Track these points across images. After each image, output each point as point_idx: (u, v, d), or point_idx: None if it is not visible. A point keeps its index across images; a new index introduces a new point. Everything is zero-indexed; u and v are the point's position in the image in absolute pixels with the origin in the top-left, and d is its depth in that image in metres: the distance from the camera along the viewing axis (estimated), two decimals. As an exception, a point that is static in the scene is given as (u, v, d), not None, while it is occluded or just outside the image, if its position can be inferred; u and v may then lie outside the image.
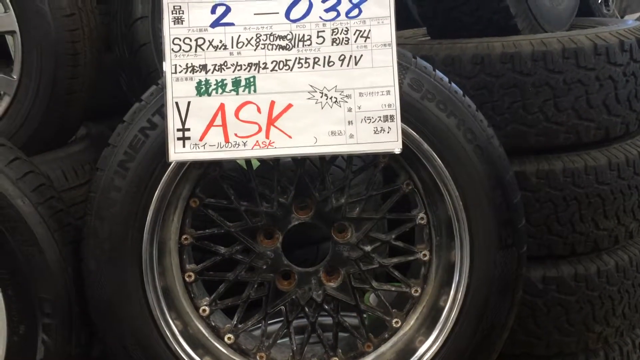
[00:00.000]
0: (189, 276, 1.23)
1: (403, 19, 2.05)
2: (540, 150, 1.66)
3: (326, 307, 1.24)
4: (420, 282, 1.25)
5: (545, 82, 1.59)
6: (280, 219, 1.23)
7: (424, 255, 1.24)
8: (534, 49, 1.58)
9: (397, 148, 1.12)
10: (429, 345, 1.19)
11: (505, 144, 1.55)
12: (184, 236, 1.22)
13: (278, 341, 1.28)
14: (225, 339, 1.24)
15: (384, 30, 1.12)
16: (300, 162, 1.21)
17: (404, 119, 1.13)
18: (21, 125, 1.63)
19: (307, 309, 1.24)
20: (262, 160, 1.26)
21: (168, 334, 1.20)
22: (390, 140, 1.11)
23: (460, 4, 1.78)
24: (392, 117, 1.11)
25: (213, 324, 1.25)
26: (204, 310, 1.24)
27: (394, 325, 1.25)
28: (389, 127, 1.11)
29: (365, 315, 1.28)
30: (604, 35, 1.65)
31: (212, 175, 1.21)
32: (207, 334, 1.24)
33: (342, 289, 1.25)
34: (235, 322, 1.25)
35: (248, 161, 1.23)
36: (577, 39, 1.61)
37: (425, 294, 1.24)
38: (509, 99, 1.59)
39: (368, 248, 1.24)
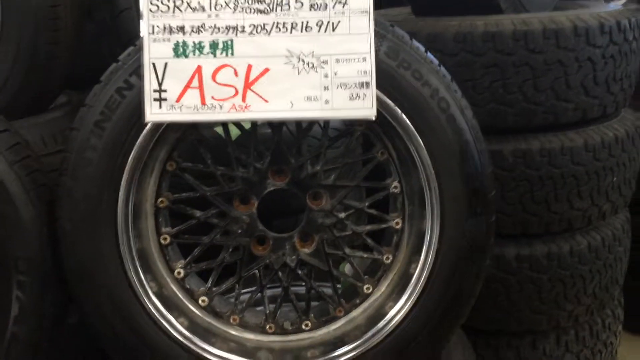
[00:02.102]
0: (165, 239, 1.24)
1: (388, -2, 2.07)
2: (518, 130, 1.69)
3: (299, 272, 1.26)
4: (392, 250, 1.27)
5: (525, 62, 1.62)
6: (256, 184, 1.25)
7: (397, 223, 1.26)
8: (515, 29, 1.61)
9: (372, 115, 1.13)
10: (398, 309, 1.21)
11: (485, 122, 1.58)
12: (160, 199, 1.23)
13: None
14: (200, 302, 1.26)
15: (362, -3, 1.13)
16: (277, 128, 1.22)
17: (379, 87, 1.15)
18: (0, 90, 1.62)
19: (280, 274, 1.26)
20: (241, 128, 1.28)
21: (143, 295, 1.21)
22: (365, 107, 1.13)
23: None
24: (367, 84, 1.13)
25: (188, 286, 1.27)
26: (178, 273, 1.25)
27: (365, 291, 1.27)
28: (364, 94, 1.13)
29: (339, 285, 1.30)
30: (584, 17, 1.67)
31: (189, 139, 1.22)
32: (181, 296, 1.26)
33: (315, 254, 1.27)
34: (209, 285, 1.26)
35: (225, 126, 1.24)
36: (558, 20, 1.64)
37: (397, 261, 1.27)
38: (490, 78, 1.62)
39: (342, 215, 1.26)
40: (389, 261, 1.27)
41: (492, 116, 1.66)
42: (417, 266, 1.22)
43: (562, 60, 1.64)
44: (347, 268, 1.48)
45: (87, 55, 1.76)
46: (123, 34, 1.63)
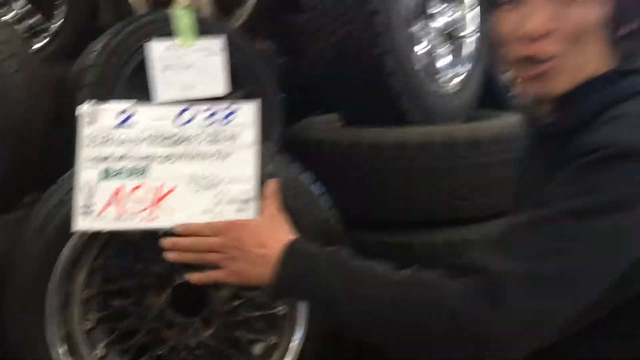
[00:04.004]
0: (89, 324, 1.52)
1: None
2: (426, 224, 1.94)
3: (200, 352, 1.53)
4: (278, 332, 1.54)
5: (428, 167, 1.91)
6: (167, 278, 1.54)
7: (281, 310, 1.55)
8: (420, 139, 1.90)
9: (254, 224, 1.44)
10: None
11: (397, 217, 1.88)
12: (87, 291, 1.52)
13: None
14: (118, 378, 1.53)
15: (249, 134, 1.47)
16: (185, 233, 1.53)
17: (263, 202, 1.46)
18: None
19: (184, 353, 1.53)
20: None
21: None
22: (248, 217, 1.44)
23: (364, 99, 2.14)
24: (251, 200, 1.44)
25: (107, 365, 1.53)
26: (98, 354, 1.52)
27: (256, 367, 1.54)
28: (248, 207, 1.44)
29: None
30: (466, 130, 1.96)
31: (113, 242, 1.52)
32: (102, 374, 1.52)
33: (215, 336, 1.54)
34: (125, 363, 1.53)
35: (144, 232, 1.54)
36: (454, 132, 1.92)
37: (282, 342, 1.54)
38: (399, 181, 1.92)
39: (236, 303, 1.54)
40: (274, 342, 1.55)
41: (403, 212, 1.95)
42: (294, 344, 1.50)
43: (457, 166, 1.91)
44: (257, 348, 1.75)
45: (53, 163, 2.09)
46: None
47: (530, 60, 0.94)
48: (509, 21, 0.96)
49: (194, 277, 1.19)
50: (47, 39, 2.63)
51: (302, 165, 1.64)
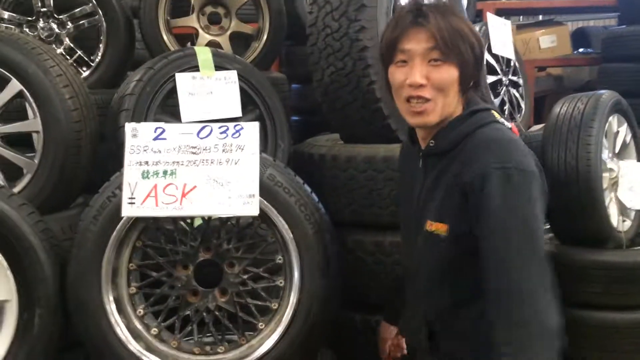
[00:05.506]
0: (132, 290, 1.98)
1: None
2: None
3: (217, 313, 1.96)
4: (278, 300, 1.97)
5: None
6: (191, 256, 1.99)
7: (281, 282, 1.98)
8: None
9: (255, 213, 1.88)
10: (276, 337, 1.91)
11: (386, 221, 2.25)
12: (131, 264, 1.97)
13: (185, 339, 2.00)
14: (152, 332, 1.96)
15: (253, 145, 1.92)
16: (206, 221, 1.98)
17: (264, 197, 1.91)
18: (37, 194, 2.32)
19: (205, 314, 1.97)
20: (189, 223, 2.02)
21: (116, 326, 1.92)
22: (252, 209, 1.88)
23: (357, 120, 2.55)
24: (254, 195, 1.88)
25: (145, 322, 1.97)
26: (140, 312, 1.97)
27: (260, 327, 1.97)
28: (252, 201, 1.88)
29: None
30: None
31: (151, 227, 1.98)
32: (141, 328, 1.96)
33: (229, 302, 1.98)
34: (159, 321, 1.97)
35: (175, 220, 1.99)
36: None
37: (281, 307, 1.97)
38: (389, 188, 2.31)
39: (245, 276, 1.98)
40: (275, 307, 1.97)
41: (392, 216, 2.32)
42: (289, 309, 1.92)
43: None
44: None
45: (99, 169, 2.55)
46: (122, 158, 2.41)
47: (414, 100, 1.43)
48: (399, 74, 1.45)
49: None
50: (89, 70, 3.12)
51: (307, 174, 2.04)
